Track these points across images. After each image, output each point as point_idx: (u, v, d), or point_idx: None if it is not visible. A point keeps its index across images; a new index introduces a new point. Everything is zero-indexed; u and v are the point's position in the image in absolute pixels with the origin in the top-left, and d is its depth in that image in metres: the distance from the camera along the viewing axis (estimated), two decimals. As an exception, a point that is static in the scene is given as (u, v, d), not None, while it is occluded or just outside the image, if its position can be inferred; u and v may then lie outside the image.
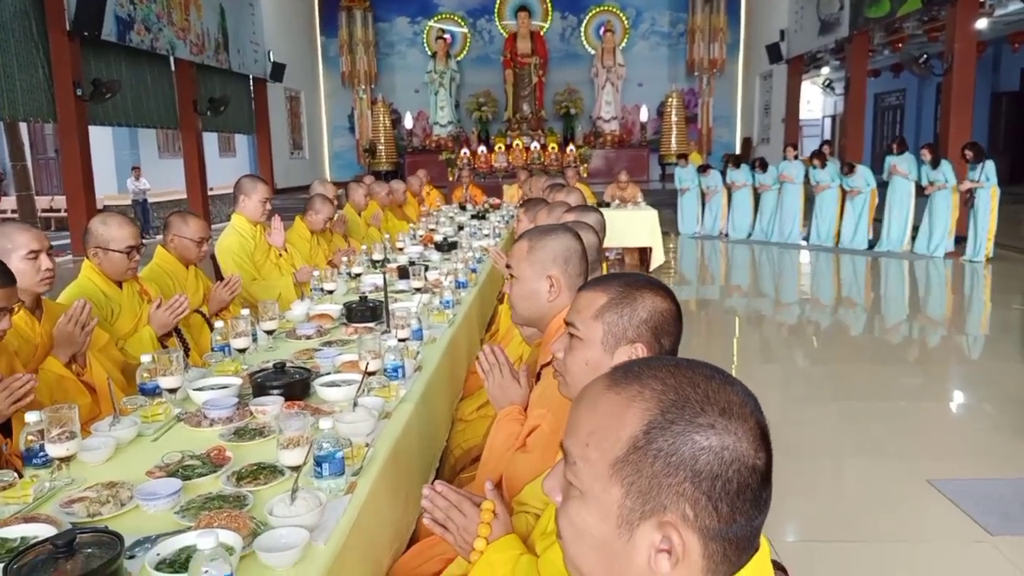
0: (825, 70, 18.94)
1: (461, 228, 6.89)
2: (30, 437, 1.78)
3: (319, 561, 1.44)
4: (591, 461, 0.77)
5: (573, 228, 2.30)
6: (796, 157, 11.85)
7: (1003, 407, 4.56)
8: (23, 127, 13.37)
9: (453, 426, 2.98)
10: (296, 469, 1.68)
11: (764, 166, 12.02)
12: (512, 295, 2.15)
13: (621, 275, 1.51)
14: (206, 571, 1.20)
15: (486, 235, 6.35)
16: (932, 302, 8.38)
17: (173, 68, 13.01)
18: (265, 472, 1.77)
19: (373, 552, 1.76)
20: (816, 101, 25.73)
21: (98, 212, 3.23)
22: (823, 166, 11.14)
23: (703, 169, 12.58)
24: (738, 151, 17.15)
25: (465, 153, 17.26)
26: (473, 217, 8.05)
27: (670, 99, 17.75)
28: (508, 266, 2.19)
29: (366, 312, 3.29)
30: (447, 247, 5.58)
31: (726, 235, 12.36)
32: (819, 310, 7.83)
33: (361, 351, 2.38)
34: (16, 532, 1.47)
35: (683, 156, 14.28)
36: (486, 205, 9.36)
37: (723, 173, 12.44)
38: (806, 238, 11.61)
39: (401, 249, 5.52)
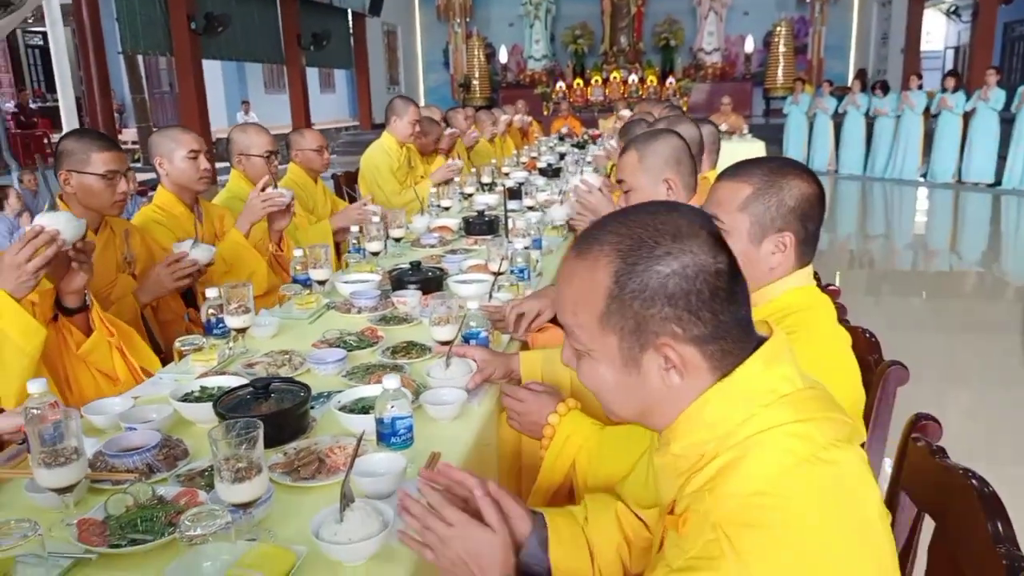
0: (950, -5, 17.54)
1: (562, 156, 6.92)
2: (211, 311, 2.00)
3: (474, 419, 1.60)
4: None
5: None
6: (920, 87, 11.12)
7: None
8: (140, 61, 14.04)
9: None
10: (447, 344, 1.83)
11: (885, 88, 11.29)
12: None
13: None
14: (392, 406, 1.37)
15: (588, 162, 6.37)
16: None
17: (278, 2, 13.32)
18: (416, 348, 1.94)
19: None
20: (936, 32, 23.84)
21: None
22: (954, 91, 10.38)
23: (880, 87, 11.69)
24: (850, 84, 16.23)
25: (560, 87, 17.03)
26: (574, 146, 8.05)
27: (778, 28, 16.86)
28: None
29: (483, 225, 3.46)
30: (551, 173, 5.68)
31: (835, 171, 11.85)
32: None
33: (490, 253, 2.52)
34: (213, 382, 1.69)
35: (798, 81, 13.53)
36: (585, 136, 9.31)
37: (840, 99, 11.81)
38: (924, 174, 10.99)
39: (507, 174, 5.63)
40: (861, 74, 17.72)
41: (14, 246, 1.71)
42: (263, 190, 2.65)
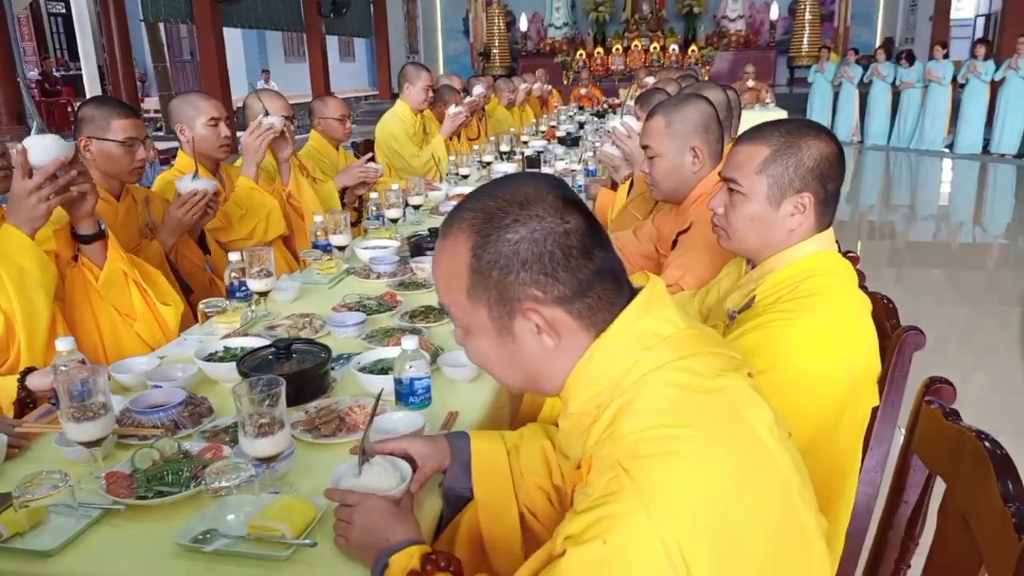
0: (984, -41, 17.01)
1: (582, 126, 6.87)
2: (233, 274, 2.03)
3: (491, 381, 1.62)
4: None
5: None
6: (946, 56, 10.87)
7: None
8: (161, 29, 14.05)
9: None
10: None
11: (911, 59, 11.05)
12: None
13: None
14: (410, 367, 1.39)
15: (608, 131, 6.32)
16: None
17: (298, -30, 13.24)
18: (434, 312, 1.96)
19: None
20: (969, -2, 23.21)
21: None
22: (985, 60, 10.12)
23: (905, 57, 11.43)
24: (874, 54, 15.88)
25: (581, 56, 16.83)
26: (593, 115, 7.98)
27: (804, -5, 16.51)
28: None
29: (502, 194, 3.45)
30: (570, 142, 5.64)
31: (860, 141, 11.66)
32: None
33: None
34: (237, 343, 1.72)
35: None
36: (605, 104, 9.22)
37: (865, 68, 11.58)
38: (949, 145, 10.79)
39: (525, 143, 5.60)
40: (887, 43, 17.31)
41: (16, 176, 1.74)
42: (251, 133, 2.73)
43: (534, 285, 0.84)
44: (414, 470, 1.17)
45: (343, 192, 3.30)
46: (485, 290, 0.85)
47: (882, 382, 1.32)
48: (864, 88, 11.74)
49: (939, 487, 1.12)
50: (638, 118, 4.05)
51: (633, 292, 0.88)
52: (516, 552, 1.15)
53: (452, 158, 4.17)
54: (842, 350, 1.23)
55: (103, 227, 1.96)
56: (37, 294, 1.76)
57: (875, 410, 1.33)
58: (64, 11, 17.19)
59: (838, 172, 1.36)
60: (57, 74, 16.20)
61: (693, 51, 16.48)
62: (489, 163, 4.59)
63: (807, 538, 0.82)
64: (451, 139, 4.84)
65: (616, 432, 0.80)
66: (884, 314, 1.42)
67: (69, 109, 13.36)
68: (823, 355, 1.22)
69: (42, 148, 1.75)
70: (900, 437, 1.23)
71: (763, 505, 0.78)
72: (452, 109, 4.64)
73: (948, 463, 1.07)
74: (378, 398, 1.26)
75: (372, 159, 3.48)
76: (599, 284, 0.85)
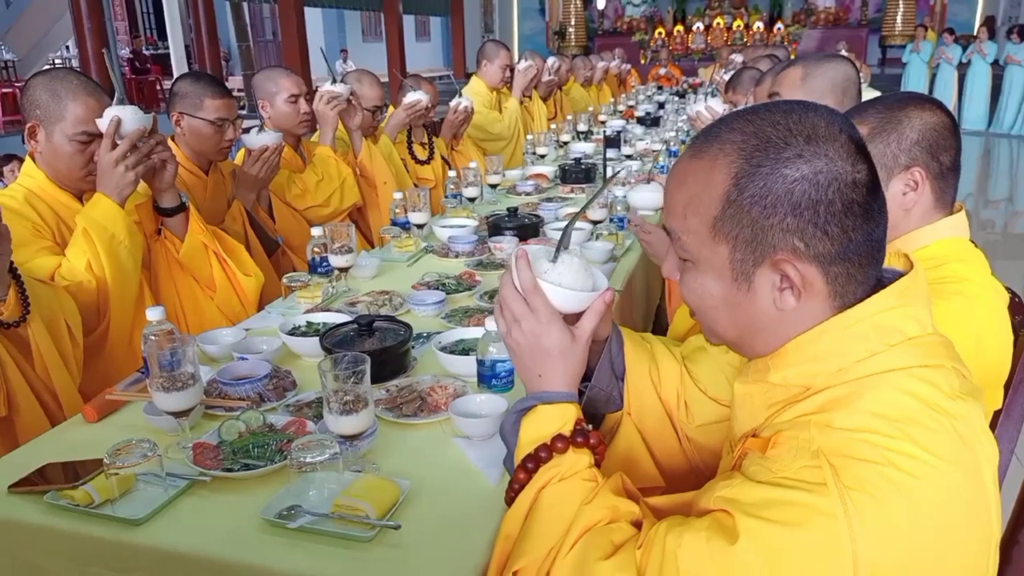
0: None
1: (661, 106, 6.69)
2: (315, 249, 2.04)
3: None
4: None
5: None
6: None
7: None
8: (245, 8, 14.38)
9: (664, 285, 3.02)
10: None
11: (1022, 34, 10.34)
12: None
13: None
14: (493, 349, 1.35)
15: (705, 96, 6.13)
16: None
17: (377, -51, 13.34)
18: (514, 293, 1.92)
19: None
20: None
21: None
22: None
23: (1017, 33, 10.77)
24: (975, 32, 14.97)
25: (659, 34, 16.45)
26: (673, 95, 7.77)
27: (899, -29, 15.70)
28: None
29: (580, 173, 3.38)
30: (650, 122, 5.49)
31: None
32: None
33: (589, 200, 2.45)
34: (319, 318, 1.72)
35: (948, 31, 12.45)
36: (685, 84, 8.97)
37: (965, 47, 10.92)
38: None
39: (603, 122, 5.49)
40: (989, 21, 16.29)
41: (104, 146, 1.79)
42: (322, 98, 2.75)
43: (798, 235, 0.73)
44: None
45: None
46: (736, 226, 0.75)
47: (1007, 385, 1.21)
48: (962, 69, 11.08)
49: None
50: (724, 100, 3.90)
51: (891, 276, 0.79)
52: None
53: (529, 136, 4.11)
54: (981, 343, 1.12)
55: (185, 200, 1.99)
56: (127, 261, 1.80)
57: (996, 414, 1.22)
58: (154, -9, 17.85)
59: (951, 143, 1.24)
60: (146, 53, 16.81)
61: (779, 29, 15.92)
62: (566, 143, 4.51)
63: None
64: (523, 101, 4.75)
65: (825, 422, 0.72)
66: (1011, 309, 1.30)
67: (157, 87, 13.83)
68: (960, 342, 1.12)
69: (124, 118, 1.79)
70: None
71: (970, 563, 0.69)
72: (522, 64, 4.57)
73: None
74: (608, 181, 1.32)
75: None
76: (865, 252, 0.75)
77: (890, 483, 0.66)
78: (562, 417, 0.92)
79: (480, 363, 1.39)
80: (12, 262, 1.51)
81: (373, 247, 2.66)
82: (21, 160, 6.41)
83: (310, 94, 2.78)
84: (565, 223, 2.52)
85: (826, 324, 0.76)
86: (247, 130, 2.39)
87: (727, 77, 4.77)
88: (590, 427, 0.93)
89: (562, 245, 1.00)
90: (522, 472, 0.91)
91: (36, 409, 1.56)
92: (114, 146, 1.78)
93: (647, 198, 2.70)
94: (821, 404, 0.74)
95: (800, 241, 0.74)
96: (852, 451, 0.68)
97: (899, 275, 0.79)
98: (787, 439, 0.73)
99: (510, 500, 0.92)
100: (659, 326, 2.78)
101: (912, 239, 1.24)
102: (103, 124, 1.78)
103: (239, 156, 2.75)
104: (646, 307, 2.59)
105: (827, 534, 0.65)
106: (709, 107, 2.49)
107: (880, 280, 0.79)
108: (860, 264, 0.75)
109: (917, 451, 0.67)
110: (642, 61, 15.62)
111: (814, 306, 0.76)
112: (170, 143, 2.25)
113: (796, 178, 0.73)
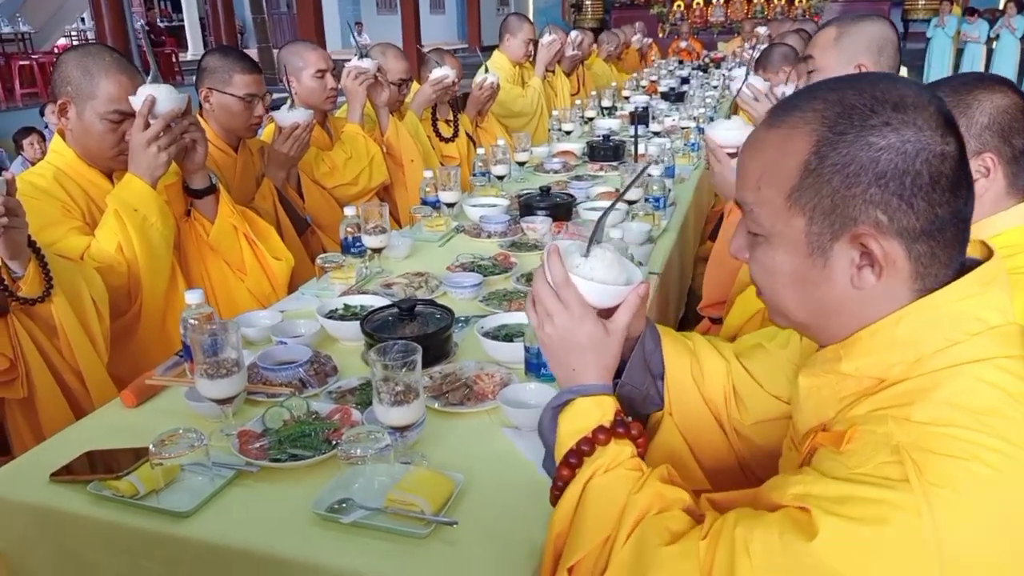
0: None
1: (685, 80, 6.57)
2: (348, 229, 2.00)
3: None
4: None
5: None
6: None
7: None
8: (260, -19, 14.23)
9: (695, 267, 2.98)
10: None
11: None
12: None
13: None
14: (543, 336, 1.31)
15: (715, 87, 6.02)
16: None
17: (392, -82, 13.12)
18: (552, 276, 1.87)
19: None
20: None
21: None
22: None
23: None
24: (1002, 7, 14.62)
25: (679, 7, 16.18)
26: (696, 69, 7.63)
27: (924, -59, 15.30)
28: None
29: (608, 151, 3.32)
30: (674, 97, 5.38)
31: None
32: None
33: (624, 180, 2.40)
34: (356, 301, 1.69)
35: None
36: (706, 59, 8.81)
37: (992, 23, 10.67)
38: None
39: (627, 98, 5.39)
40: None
41: (137, 125, 1.74)
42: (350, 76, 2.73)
43: (882, 207, 0.69)
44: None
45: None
46: (815, 196, 0.71)
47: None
48: (989, 45, 10.84)
49: None
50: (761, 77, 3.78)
51: (971, 262, 0.75)
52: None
53: (555, 112, 4.03)
54: None
55: (215, 181, 1.95)
56: (159, 243, 1.77)
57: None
58: (168, -37, 17.69)
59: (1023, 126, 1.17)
60: (161, 25, 16.72)
61: (801, 1, 15.60)
62: (591, 119, 4.42)
63: None
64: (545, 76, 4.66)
65: (904, 415, 0.68)
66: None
67: (173, 60, 13.76)
68: None
69: (159, 97, 1.74)
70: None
71: None
72: (545, 38, 4.49)
73: None
74: (643, 169, 1.34)
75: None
76: (951, 231, 0.71)
77: (975, 478, 0.63)
78: (600, 408, 0.90)
79: (527, 350, 1.35)
80: (30, 236, 1.47)
81: (400, 226, 2.62)
82: (40, 133, 6.38)
83: (335, 71, 2.73)
84: (596, 204, 2.47)
85: (905, 310, 0.72)
86: (276, 106, 2.34)
87: (755, 53, 4.65)
88: (630, 418, 0.90)
89: (594, 239, 0.97)
90: (565, 469, 0.89)
91: (55, 390, 1.53)
92: (147, 126, 1.74)
93: (727, 136, 2.44)
94: (899, 396, 0.70)
95: (884, 214, 0.70)
96: (934, 445, 0.65)
97: (977, 263, 0.75)
98: (864, 433, 0.70)
99: (555, 499, 0.90)
100: (689, 308, 2.74)
101: (983, 227, 1.17)
102: (136, 103, 1.74)
103: (266, 132, 2.70)
104: (680, 288, 2.54)
105: (911, 532, 0.62)
106: (750, 85, 2.40)
107: (963, 265, 0.74)
108: (945, 244, 0.71)
109: (1002, 444, 0.64)
110: (660, 34, 15.38)
111: (895, 286, 0.72)
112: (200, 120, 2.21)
113: (882, 146, 0.69)
